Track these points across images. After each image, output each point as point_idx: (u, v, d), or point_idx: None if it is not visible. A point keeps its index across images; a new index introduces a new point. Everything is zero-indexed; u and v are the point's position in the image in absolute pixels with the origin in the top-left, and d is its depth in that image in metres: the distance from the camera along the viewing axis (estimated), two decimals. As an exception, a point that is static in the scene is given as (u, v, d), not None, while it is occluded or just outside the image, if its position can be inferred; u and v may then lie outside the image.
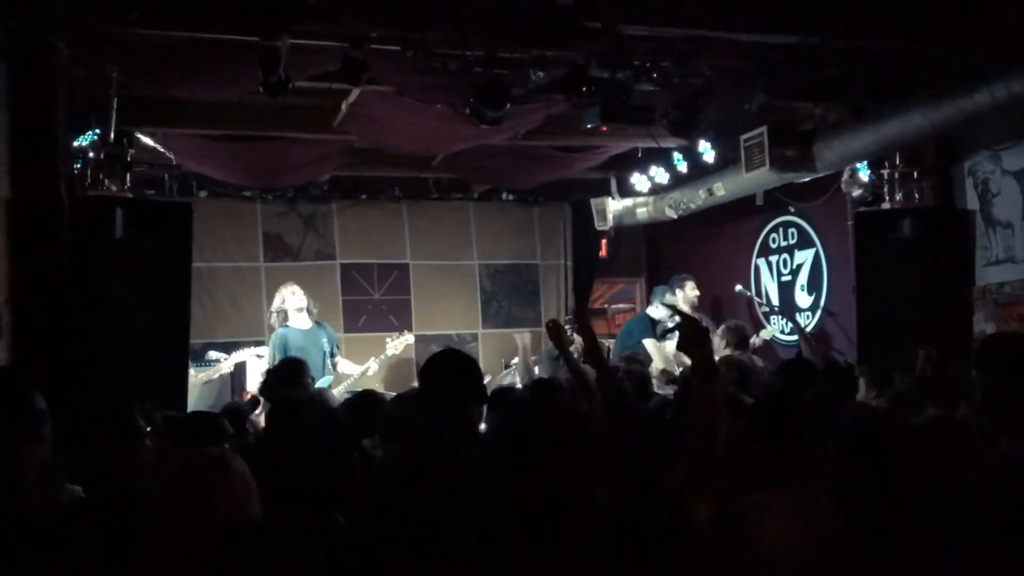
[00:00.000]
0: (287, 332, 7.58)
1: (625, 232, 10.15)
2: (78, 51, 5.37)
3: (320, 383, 7.26)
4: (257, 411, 6.14)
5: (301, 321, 7.66)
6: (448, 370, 2.86)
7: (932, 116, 5.85)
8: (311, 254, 9.59)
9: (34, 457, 2.22)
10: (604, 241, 10.25)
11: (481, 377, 2.99)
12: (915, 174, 7.05)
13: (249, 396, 7.34)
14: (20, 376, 2.41)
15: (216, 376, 7.69)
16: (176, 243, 5.78)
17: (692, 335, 2.28)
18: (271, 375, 4.93)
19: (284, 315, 7.66)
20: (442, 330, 9.76)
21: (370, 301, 9.71)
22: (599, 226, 9.64)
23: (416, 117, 6.78)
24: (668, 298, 8.25)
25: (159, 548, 2.05)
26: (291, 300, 7.66)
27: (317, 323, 7.82)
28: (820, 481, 2.47)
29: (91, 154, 5.86)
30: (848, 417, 2.16)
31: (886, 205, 7.14)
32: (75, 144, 5.81)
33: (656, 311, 8.46)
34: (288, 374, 4.98)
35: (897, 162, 7.04)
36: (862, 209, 7.31)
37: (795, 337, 8.35)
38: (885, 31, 5.76)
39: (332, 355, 7.80)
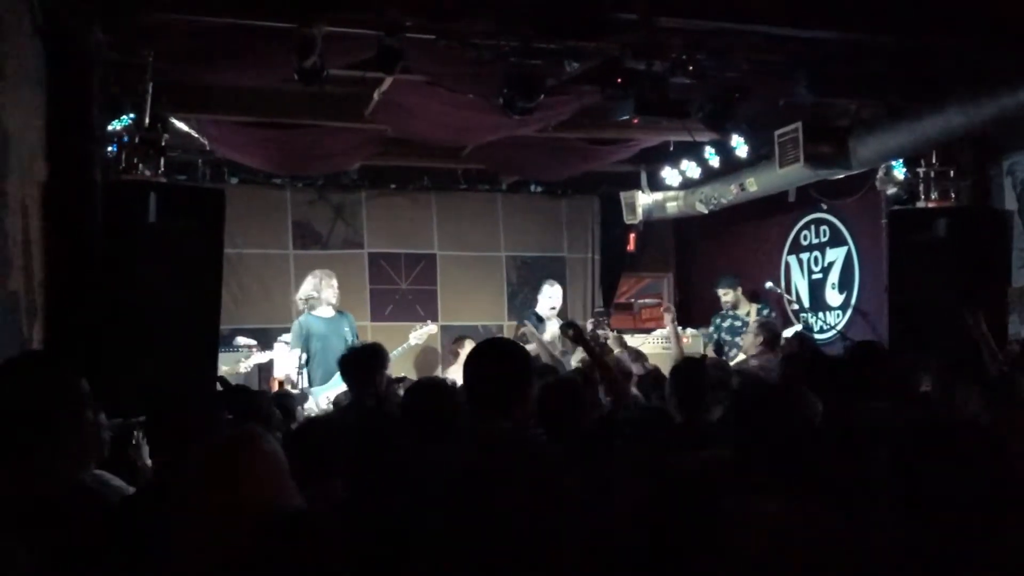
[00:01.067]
0: (311, 320, 7.56)
1: (654, 226, 10.09)
2: (115, 36, 5.40)
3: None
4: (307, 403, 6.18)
5: (325, 310, 7.66)
6: (490, 363, 2.80)
7: (972, 114, 5.77)
8: (339, 242, 9.62)
9: (72, 445, 2.22)
10: (632, 235, 10.19)
11: (526, 369, 2.89)
12: (951, 173, 6.94)
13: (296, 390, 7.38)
14: (63, 361, 2.41)
15: (242, 370, 7.69)
16: (208, 229, 5.77)
17: None
18: (350, 360, 4.90)
19: (315, 302, 7.63)
20: (467, 321, 9.77)
21: (397, 291, 9.72)
22: (628, 220, 9.59)
23: (448, 107, 6.77)
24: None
25: (191, 535, 2.05)
26: (328, 293, 7.64)
27: (339, 312, 7.79)
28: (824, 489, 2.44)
29: (125, 138, 5.87)
30: (905, 425, 2.08)
31: (921, 204, 7.04)
32: (110, 128, 5.83)
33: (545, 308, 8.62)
34: (372, 361, 4.93)
35: (933, 160, 6.93)
36: (896, 208, 7.22)
37: (828, 335, 8.28)
38: (925, 27, 5.69)
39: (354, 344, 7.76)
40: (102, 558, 2.00)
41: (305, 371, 7.18)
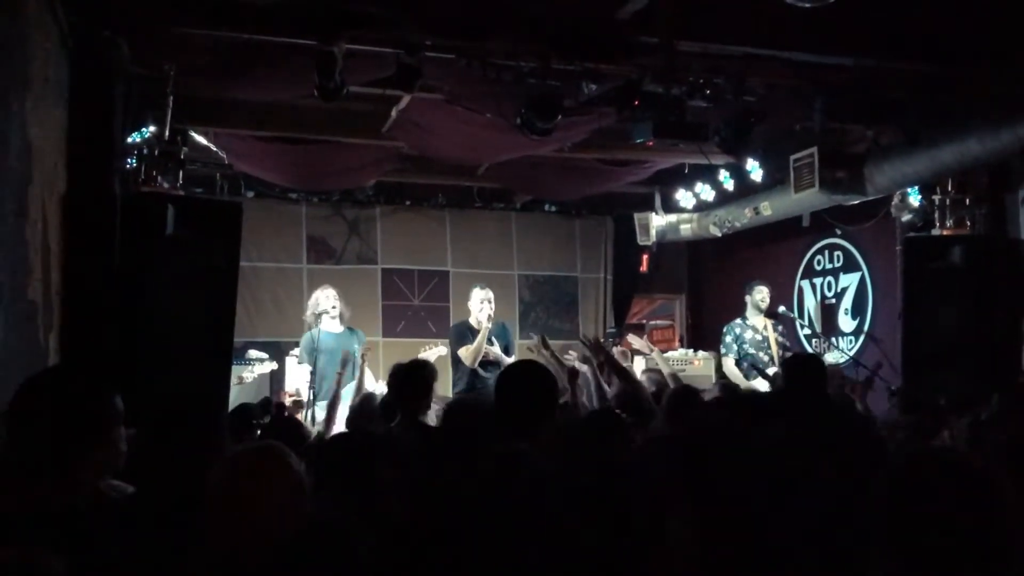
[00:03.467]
0: (317, 334, 7.51)
1: (667, 248, 10.10)
2: (138, 48, 5.44)
3: (351, 387, 7.26)
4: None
5: (333, 325, 7.60)
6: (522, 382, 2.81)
7: (989, 143, 5.77)
8: (353, 258, 9.67)
9: (101, 458, 2.24)
10: (645, 256, 10.21)
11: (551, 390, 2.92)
12: (967, 201, 6.94)
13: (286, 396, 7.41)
14: (96, 377, 2.44)
15: (251, 379, 7.69)
16: (225, 242, 5.79)
17: None
18: (405, 375, 4.91)
19: (318, 317, 7.60)
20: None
21: (409, 307, 9.75)
22: (641, 241, 9.60)
23: (465, 126, 6.80)
24: None
25: (213, 545, 2.06)
26: (324, 302, 7.56)
27: (349, 328, 7.74)
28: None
29: (145, 151, 5.92)
30: (901, 456, 2.07)
31: (936, 231, 7.03)
32: (130, 140, 5.87)
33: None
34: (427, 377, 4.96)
35: (949, 188, 6.93)
36: (911, 235, 7.20)
37: (841, 361, 8.23)
38: (943, 55, 5.70)
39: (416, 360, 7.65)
40: (125, 566, 2.01)
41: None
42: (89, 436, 2.19)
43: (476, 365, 7.49)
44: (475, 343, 7.46)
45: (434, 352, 8.18)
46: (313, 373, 7.06)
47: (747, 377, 7.91)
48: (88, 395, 2.25)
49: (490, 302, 7.69)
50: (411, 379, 4.82)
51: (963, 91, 6.11)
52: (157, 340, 5.49)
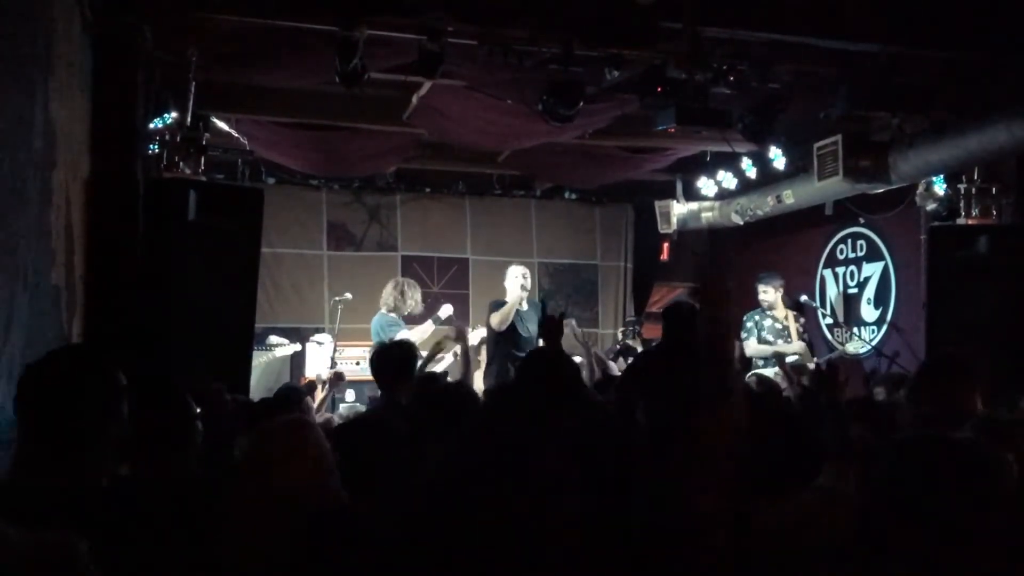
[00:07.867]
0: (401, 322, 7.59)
1: (688, 236, 10.05)
2: (161, 35, 5.46)
3: None
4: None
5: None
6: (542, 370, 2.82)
7: (1017, 131, 5.69)
8: (373, 245, 9.69)
9: (113, 433, 2.24)
10: (666, 244, 10.16)
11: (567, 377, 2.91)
12: (993, 190, 6.85)
13: (306, 381, 7.42)
14: (99, 354, 2.43)
15: (263, 361, 7.73)
16: (247, 228, 5.82)
17: None
18: (384, 358, 4.94)
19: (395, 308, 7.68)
20: (498, 326, 9.76)
21: (429, 294, 9.72)
22: (663, 229, 9.54)
23: (486, 112, 6.78)
24: None
25: (238, 522, 2.06)
26: (417, 308, 7.74)
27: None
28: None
29: (167, 137, 5.94)
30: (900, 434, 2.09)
31: (961, 221, 6.95)
32: (152, 126, 5.89)
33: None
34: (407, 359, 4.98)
35: (975, 177, 6.85)
36: (936, 224, 7.12)
37: (863, 351, 8.16)
38: (970, 42, 5.63)
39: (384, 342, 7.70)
40: (148, 548, 2.02)
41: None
42: (98, 413, 2.18)
43: (503, 328, 7.49)
44: (504, 308, 7.46)
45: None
46: None
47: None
48: (92, 372, 2.24)
49: (525, 278, 7.71)
50: (387, 362, 4.80)
51: (991, 79, 6.03)
52: (180, 324, 5.53)
